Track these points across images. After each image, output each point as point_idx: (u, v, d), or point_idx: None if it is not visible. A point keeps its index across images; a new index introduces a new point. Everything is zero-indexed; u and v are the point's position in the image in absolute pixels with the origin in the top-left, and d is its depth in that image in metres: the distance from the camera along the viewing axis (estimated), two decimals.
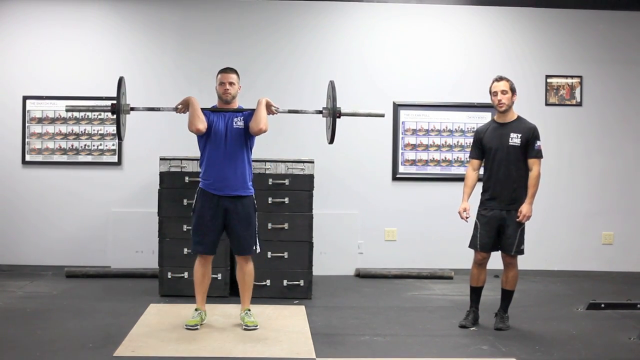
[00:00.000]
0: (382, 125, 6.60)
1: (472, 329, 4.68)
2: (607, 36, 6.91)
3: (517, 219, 4.61)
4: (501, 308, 4.77)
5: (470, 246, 4.79)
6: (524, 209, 4.60)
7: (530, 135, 4.61)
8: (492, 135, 4.71)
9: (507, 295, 4.78)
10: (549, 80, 6.91)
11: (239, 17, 6.75)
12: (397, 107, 6.77)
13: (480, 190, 4.79)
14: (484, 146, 4.75)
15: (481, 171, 4.85)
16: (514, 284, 4.77)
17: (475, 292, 4.83)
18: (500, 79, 4.70)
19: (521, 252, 4.72)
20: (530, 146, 4.61)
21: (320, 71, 6.69)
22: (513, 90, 4.67)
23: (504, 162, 4.63)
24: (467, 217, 4.80)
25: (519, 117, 4.72)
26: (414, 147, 6.78)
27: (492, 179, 4.69)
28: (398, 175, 6.81)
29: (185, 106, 4.52)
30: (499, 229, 4.69)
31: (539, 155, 4.63)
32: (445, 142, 6.81)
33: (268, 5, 6.77)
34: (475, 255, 4.78)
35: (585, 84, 6.91)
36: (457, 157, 6.81)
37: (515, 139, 4.61)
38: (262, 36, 6.75)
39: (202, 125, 4.43)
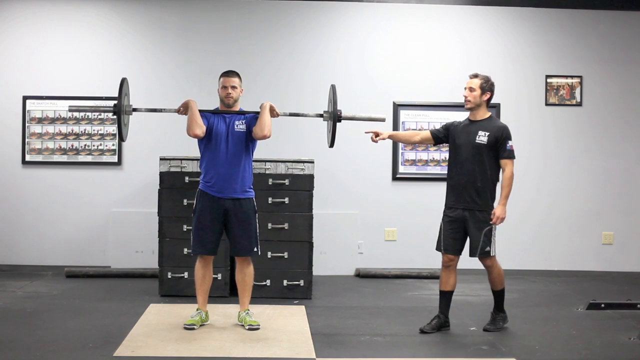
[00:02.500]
0: (382, 126, 6.56)
1: (472, 328, 4.67)
2: (607, 36, 6.91)
3: (491, 222, 4.45)
4: (495, 308, 4.69)
5: (436, 248, 4.66)
6: (497, 210, 4.44)
7: (500, 135, 4.46)
8: (461, 131, 4.59)
9: (496, 295, 4.66)
10: (549, 80, 6.91)
11: (239, 17, 6.75)
12: (397, 107, 6.77)
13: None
14: (450, 139, 4.63)
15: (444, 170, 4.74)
16: (499, 283, 4.62)
17: (444, 297, 4.62)
18: (474, 76, 4.59)
19: (486, 254, 4.50)
20: (501, 146, 4.46)
21: (320, 71, 6.70)
22: (484, 89, 4.54)
23: (469, 160, 4.50)
24: (373, 136, 4.70)
25: (490, 117, 4.59)
26: (414, 147, 6.78)
27: (456, 178, 4.56)
28: (398, 175, 6.81)
29: (186, 109, 4.51)
30: (465, 230, 4.55)
31: (511, 155, 4.48)
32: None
33: (268, 5, 6.77)
34: (442, 258, 4.62)
35: (585, 84, 6.91)
36: None
37: (482, 137, 4.47)
38: (262, 36, 6.76)
39: (200, 130, 4.43)
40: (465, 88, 4.60)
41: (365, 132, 4.82)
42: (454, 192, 4.58)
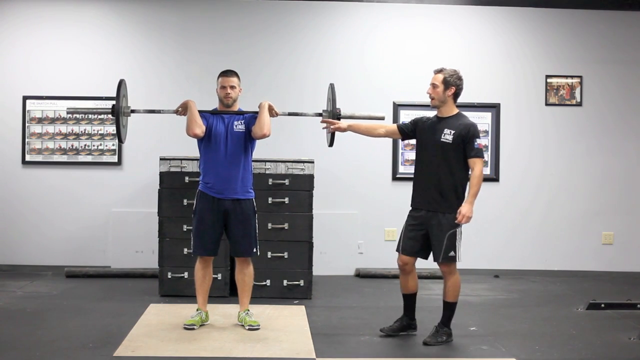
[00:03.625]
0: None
1: (472, 328, 4.67)
2: (607, 36, 6.91)
3: (456, 220, 4.18)
4: (441, 321, 4.36)
5: (397, 249, 4.43)
6: (463, 208, 4.16)
7: (466, 133, 4.20)
8: (428, 128, 4.36)
9: (446, 307, 4.35)
10: (549, 80, 6.91)
11: (239, 17, 6.75)
12: (397, 107, 6.77)
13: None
14: (417, 135, 4.42)
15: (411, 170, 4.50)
16: (453, 295, 4.32)
17: (406, 300, 4.44)
18: (438, 71, 4.35)
19: (450, 259, 4.24)
20: (468, 145, 4.21)
21: (320, 71, 6.70)
22: (447, 83, 4.27)
23: (433, 159, 4.27)
24: (325, 123, 4.51)
25: (458, 114, 4.34)
26: (414, 147, 6.74)
27: (419, 177, 4.36)
28: (398, 175, 6.81)
29: (184, 109, 4.51)
30: (427, 233, 4.31)
31: (479, 154, 4.21)
32: None
33: (268, 5, 6.77)
34: (397, 260, 4.41)
35: (585, 84, 6.91)
36: None
37: (447, 135, 4.23)
38: (262, 36, 6.76)
39: (200, 130, 4.43)
40: (430, 84, 4.36)
41: (321, 122, 4.59)
42: (418, 193, 4.37)
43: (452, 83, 4.30)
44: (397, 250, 4.42)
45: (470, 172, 4.28)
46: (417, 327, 4.50)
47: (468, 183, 4.29)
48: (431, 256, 4.38)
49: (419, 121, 4.47)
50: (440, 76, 4.31)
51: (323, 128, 4.63)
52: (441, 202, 4.25)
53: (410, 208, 4.43)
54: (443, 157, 4.25)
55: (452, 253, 4.24)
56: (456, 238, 4.26)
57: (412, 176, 4.45)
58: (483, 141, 6.83)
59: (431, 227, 4.28)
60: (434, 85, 4.33)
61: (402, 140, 4.62)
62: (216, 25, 6.75)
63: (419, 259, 4.42)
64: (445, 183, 4.25)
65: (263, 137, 4.47)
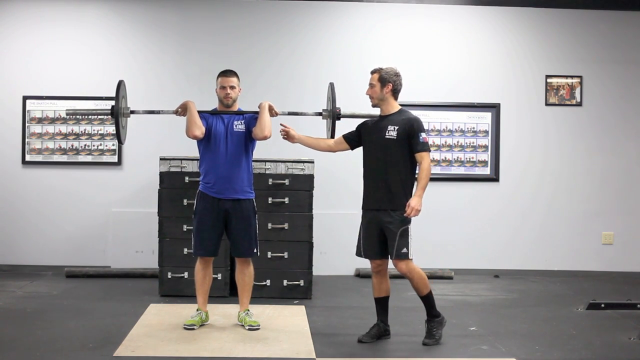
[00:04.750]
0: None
1: (472, 328, 4.67)
2: (607, 36, 6.91)
3: (405, 214, 4.14)
4: (427, 315, 4.33)
5: (356, 253, 4.38)
6: (412, 201, 4.12)
7: (409, 128, 4.20)
8: (372, 128, 4.36)
9: (423, 300, 4.31)
10: (549, 80, 6.91)
11: (239, 17, 6.75)
12: None
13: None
14: (363, 138, 4.40)
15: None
16: (423, 287, 4.27)
17: (379, 304, 4.40)
18: (373, 71, 4.37)
19: (403, 255, 4.18)
20: (413, 139, 4.20)
21: (320, 71, 6.70)
22: (383, 81, 4.30)
23: (380, 157, 4.25)
24: (284, 131, 4.52)
25: (400, 110, 4.35)
26: None
27: (368, 176, 4.34)
28: None
29: (184, 110, 4.50)
30: (382, 231, 4.25)
31: (425, 147, 4.20)
32: (445, 142, 6.81)
33: (268, 5, 6.77)
34: (370, 264, 4.36)
35: (585, 84, 6.91)
36: (457, 157, 6.80)
37: (391, 132, 4.22)
38: (262, 36, 6.76)
39: (199, 131, 4.42)
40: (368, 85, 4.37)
41: (280, 124, 4.59)
42: (368, 193, 4.33)
43: (389, 80, 4.32)
44: (357, 254, 4.37)
45: (417, 167, 4.26)
46: (391, 333, 4.43)
47: (416, 178, 4.25)
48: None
49: (363, 125, 4.48)
50: (377, 75, 4.35)
51: (280, 131, 4.60)
52: (390, 199, 4.22)
53: (362, 209, 4.38)
54: (389, 154, 4.24)
55: (404, 250, 4.19)
56: (408, 234, 4.21)
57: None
58: (483, 141, 6.85)
59: (384, 224, 4.23)
60: (371, 85, 4.37)
61: (352, 149, 4.55)
62: (216, 25, 6.75)
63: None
64: (392, 180, 4.23)
65: (264, 138, 4.46)
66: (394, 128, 4.24)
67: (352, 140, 4.50)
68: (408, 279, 4.29)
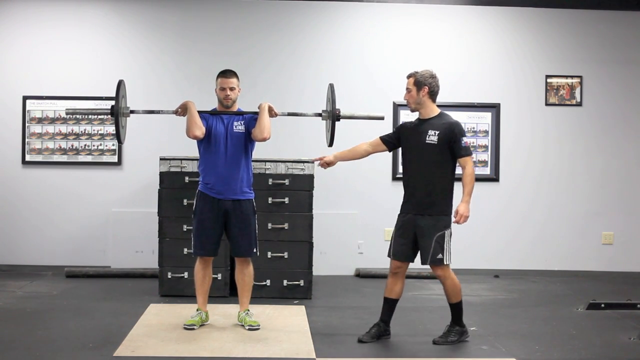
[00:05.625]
0: (382, 125, 6.55)
1: (472, 328, 4.67)
2: (607, 36, 6.91)
3: (454, 221, 4.20)
4: (451, 321, 4.37)
5: (387, 255, 4.38)
6: (460, 208, 4.15)
7: (450, 133, 4.19)
8: (411, 131, 4.34)
9: (451, 308, 4.34)
10: (549, 80, 6.91)
11: (239, 17, 6.75)
12: (397, 107, 6.77)
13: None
14: (402, 141, 4.40)
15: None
16: (453, 295, 4.29)
17: (387, 304, 4.37)
18: (408, 76, 4.34)
19: (438, 262, 4.19)
20: (455, 145, 4.20)
21: (320, 71, 6.70)
22: (419, 85, 4.26)
23: (419, 162, 4.26)
24: (318, 161, 4.54)
25: (440, 114, 4.32)
26: None
27: (407, 180, 4.35)
28: (398, 175, 6.79)
29: (184, 110, 4.49)
30: (415, 236, 4.26)
31: (468, 152, 4.20)
32: None
33: (268, 5, 6.77)
34: (390, 264, 4.36)
35: (585, 84, 6.91)
36: None
37: (432, 136, 4.21)
38: (262, 36, 6.76)
39: (200, 132, 4.42)
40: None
41: (313, 160, 4.68)
42: (407, 197, 4.35)
43: (424, 83, 4.28)
44: (389, 255, 4.36)
45: (462, 172, 4.25)
46: (391, 333, 4.42)
47: (454, 183, 4.26)
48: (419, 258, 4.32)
49: (402, 127, 4.47)
50: (412, 79, 4.31)
51: (318, 165, 4.65)
52: (429, 204, 4.22)
53: (399, 212, 4.39)
54: (429, 159, 4.24)
55: (439, 255, 4.18)
56: (444, 240, 4.21)
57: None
58: (483, 141, 6.85)
59: (419, 229, 4.23)
60: (407, 90, 4.33)
61: (389, 151, 4.56)
62: (216, 25, 6.75)
63: (417, 259, 4.37)
64: (432, 185, 4.23)
65: (263, 140, 4.46)
66: (435, 133, 4.22)
67: (390, 142, 4.48)
68: (441, 283, 4.32)
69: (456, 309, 4.34)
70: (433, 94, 4.31)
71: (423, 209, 4.23)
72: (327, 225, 6.48)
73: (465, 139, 4.24)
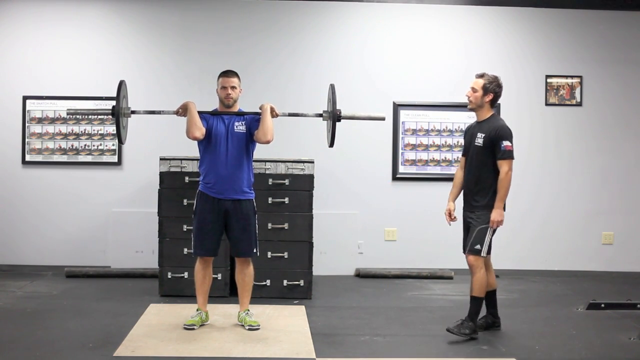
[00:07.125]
0: (382, 126, 6.59)
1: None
2: (607, 36, 6.91)
3: (489, 226, 4.41)
4: (468, 315, 4.45)
5: (487, 252, 4.51)
6: (492, 215, 4.38)
7: (494, 135, 4.39)
8: (470, 134, 4.62)
9: (470, 301, 4.44)
10: (549, 80, 6.91)
11: (239, 17, 6.75)
12: (397, 107, 6.77)
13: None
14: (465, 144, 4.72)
15: None
16: (477, 289, 4.40)
17: (486, 297, 4.54)
18: (479, 76, 4.54)
19: (475, 251, 4.40)
20: (496, 147, 4.39)
21: (320, 71, 6.70)
22: (487, 90, 4.47)
23: (471, 162, 4.54)
24: (452, 219, 4.65)
25: (492, 116, 4.53)
26: (414, 147, 6.78)
27: (465, 178, 4.62)
28: (398, 175, 6.81)
29: (184, 110, 4.49)
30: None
31: (505, 155, 4.36)
32: (445, 142, 6.81)
33: (268, 5, 6.77)
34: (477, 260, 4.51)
35: (585, 84, 6.91)
36: (457, 157, 6.79)
37: (479, 139, 4.46)
38: (262, 36, 6.76)
39: (199, 133, 4.42)
40: (470, 88, 4.55)
41: (447, 218, 4.70)
42: (464, 193, 4.62)
43: (491, 90, 4.49)
44: (488, 253, 4.48)
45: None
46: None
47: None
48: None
49: (466, 131, 4.73)
50: (481, 81, 4.50)
51: (451, 220, 4.71)
52: (477, 200, 4.47)
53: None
54: (478, 160, 4.48)
55: (477, 246, 4.39)
56: (486, 234, 4.41)
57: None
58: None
59: (468, 221, 4.54)
60: (473, 90, 4.52)
61: None
62: (216, 25, 6.74)
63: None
64: (480, 184, 4.46)
65: (267, 143, 4.47)
66: (482, 135, 4.46)
67: (465, 152, 4.68)
68: (471, 273, 4.45)
69: (475, 304, 4.44)
70: (494, 101, 4.56)
71: (471, 205, 4.51)
72: (327, 225, 6.49)
73: (506, 143, 4.39)
